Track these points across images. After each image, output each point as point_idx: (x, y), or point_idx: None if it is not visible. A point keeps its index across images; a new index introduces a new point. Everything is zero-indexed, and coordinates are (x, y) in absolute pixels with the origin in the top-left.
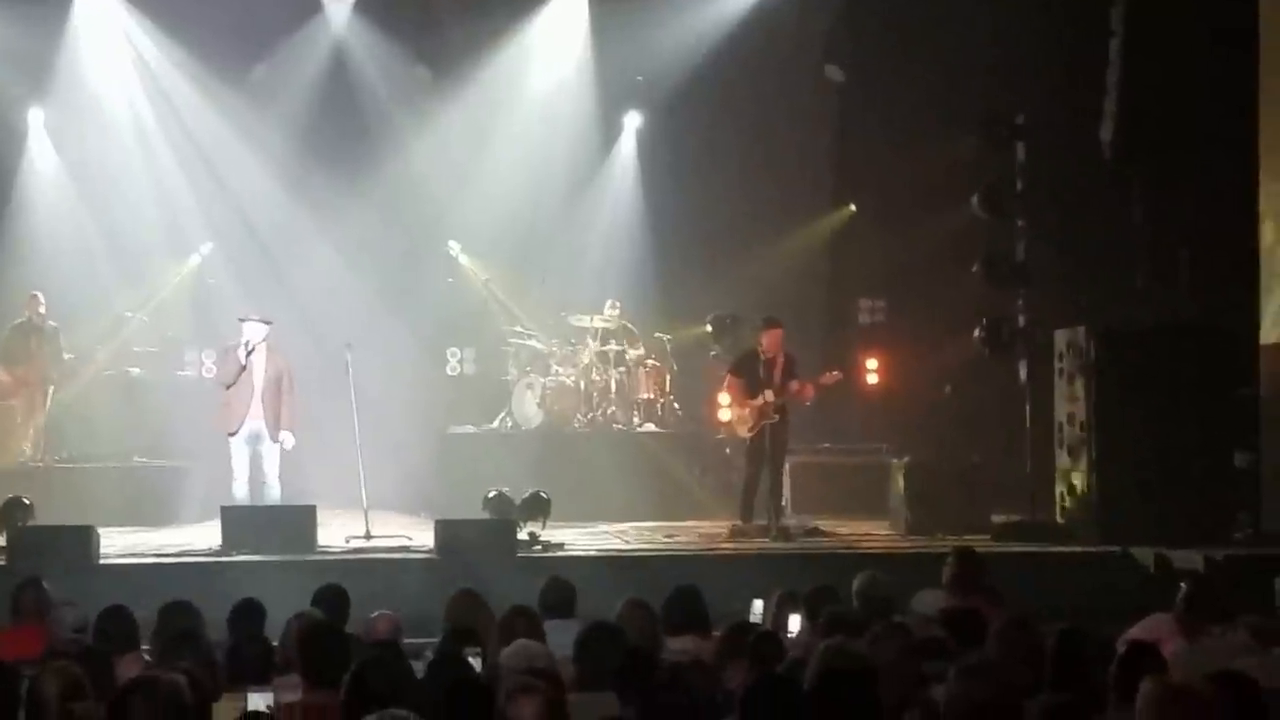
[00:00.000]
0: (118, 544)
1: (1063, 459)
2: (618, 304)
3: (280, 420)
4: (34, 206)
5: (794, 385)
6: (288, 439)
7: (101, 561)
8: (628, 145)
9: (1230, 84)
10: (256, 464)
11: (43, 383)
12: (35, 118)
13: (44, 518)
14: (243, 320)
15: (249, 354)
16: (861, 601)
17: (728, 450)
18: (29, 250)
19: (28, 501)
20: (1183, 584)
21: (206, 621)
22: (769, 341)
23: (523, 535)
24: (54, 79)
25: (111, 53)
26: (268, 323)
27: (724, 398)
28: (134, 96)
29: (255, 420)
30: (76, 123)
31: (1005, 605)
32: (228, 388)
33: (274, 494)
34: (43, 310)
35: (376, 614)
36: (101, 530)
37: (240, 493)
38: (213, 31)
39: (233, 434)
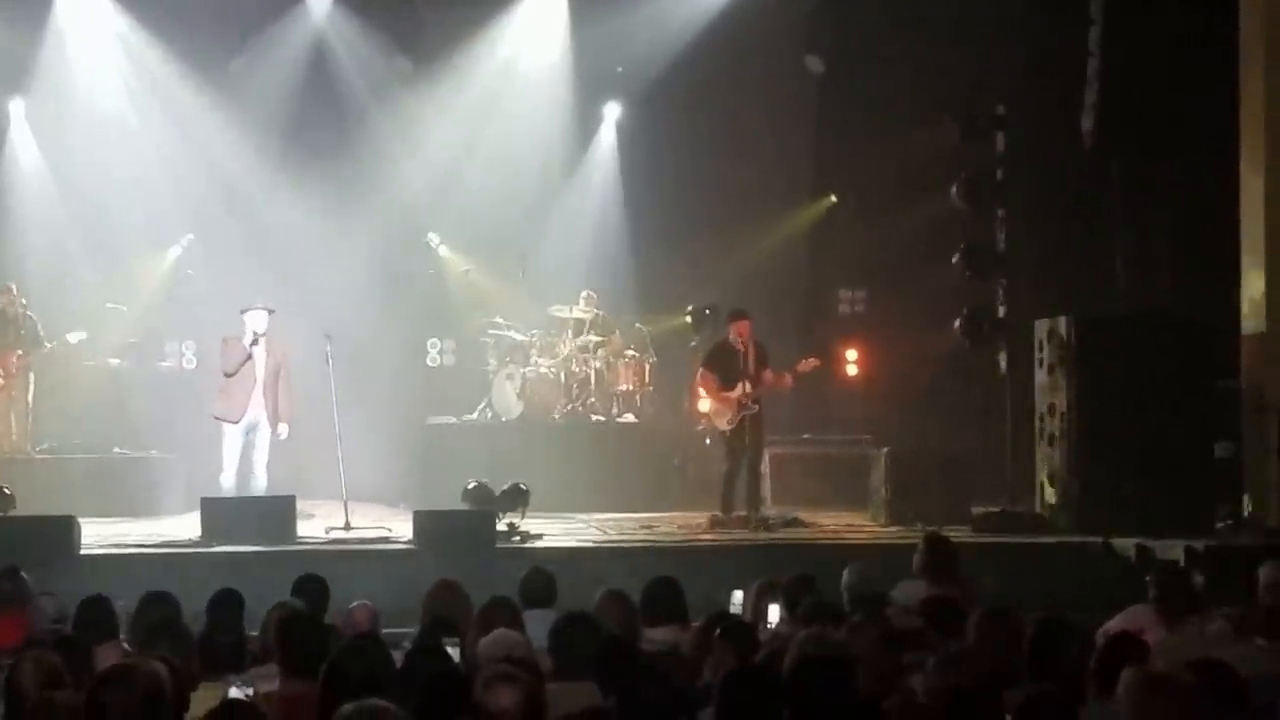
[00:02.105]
0: (98, 534)
1: (1043, 449)
2: (593, 295)
3: (279, 411)
4: (14, 198)
5: (769, 375)
6: (284, 430)
7: (82, 552)
8: (607, 136)
9: (1211, 73)
10: (246, 454)
11: (23, 372)
12: (16, 109)
13: (25, 508)
14: (244, 311)
15: (253, 344)
16: (851, 596)
17: (708, 441)
18: (9, 241)
19: (8, 491)
20: (1148, 576)
21: (186, 612)
22: (740, 333)
23: (502, 526)
24: (35, 71)
25: (93, 44)
26: (270, 310)
27: (700, 389)
28: (115, 87)
29: (256, 410)
30: (57, 114)
31: (984, 595)
32: (229, 376)
33: (261, 484)
34: (23, 301)
35: (355, 604)
36: (82, 521)
37: (228, 482)
38: (194, 23)
39: (235, 422)
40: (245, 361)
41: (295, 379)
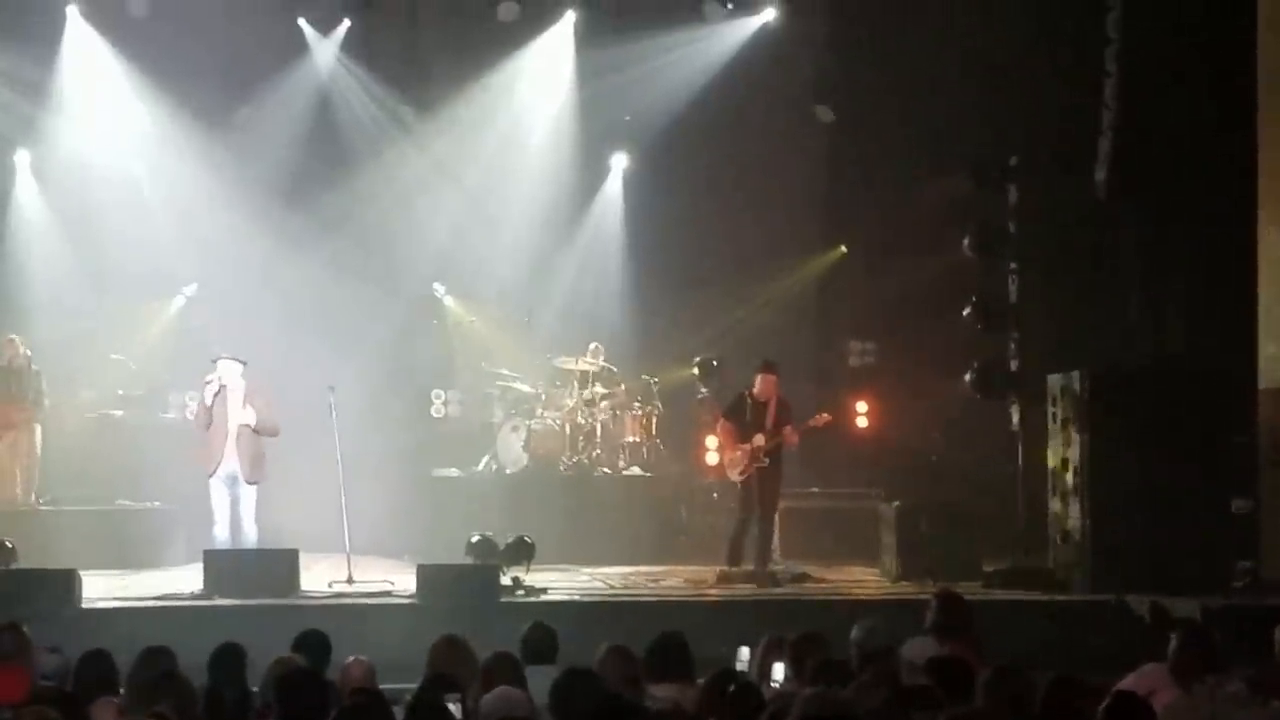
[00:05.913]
0: (100, 588)
1: (1055, 505)
2: (600, 347)
3: (250, 471)
4: (19, 249)
5: (786, 431)
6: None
7: (84, 605)
8: (614, 186)
9: (1228, 123)
10: (234, 507)
11: (27, 425)
12: (21, 160)
13: (27, 561)
14: (215, 359)
15: (215, 395)
16: (860, 652)
17: (715, 494)
18: (14, 293)
19: (10, 544)
20: (1173, 634)
21: (188, 666)
22: (762, 385)
23: (506, 580)
24: (41, 121)
25: (98, 95)
26: (241, 362)
27: (712, 441)
28: (119, 138)
29: (231, 461)
30: (62, 164)
31: (995, 654)
32: (206, 429)
33: (250, 538)
34: (26, 352)
35: (350, 660)
36: (84, 574)
37: (221, 535)
38: (199, 74)
39: (211, 474)
40: (209, 412)
41: (298, 430)
